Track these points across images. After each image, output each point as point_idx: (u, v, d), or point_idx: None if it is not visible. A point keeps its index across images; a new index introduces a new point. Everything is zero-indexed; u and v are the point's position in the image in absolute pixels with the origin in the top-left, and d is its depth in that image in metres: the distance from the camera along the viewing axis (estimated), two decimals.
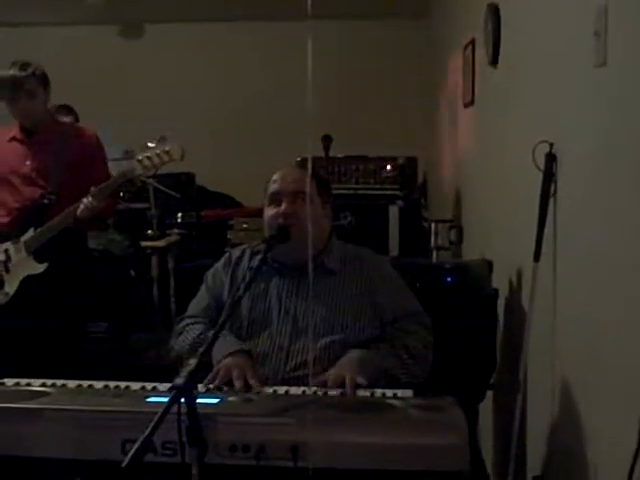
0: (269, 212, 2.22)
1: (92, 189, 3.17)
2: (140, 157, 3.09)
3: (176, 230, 5.44)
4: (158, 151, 3.08)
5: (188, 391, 1.49)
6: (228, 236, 5.21)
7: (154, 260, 4.89)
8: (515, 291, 2.64)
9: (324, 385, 1.92)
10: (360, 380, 1.91)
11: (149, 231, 5.12)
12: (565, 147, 2.07)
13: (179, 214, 5.69)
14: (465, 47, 3.95)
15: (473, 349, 2.54)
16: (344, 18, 5.97)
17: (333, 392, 1.86)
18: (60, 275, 3.36)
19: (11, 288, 3.34)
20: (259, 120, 6.41)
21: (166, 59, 6.54)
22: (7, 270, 3.35)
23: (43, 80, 3.38)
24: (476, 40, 3.62)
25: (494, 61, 3.08)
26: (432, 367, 2.19)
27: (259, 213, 5.83)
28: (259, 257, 2.14)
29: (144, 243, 4.84)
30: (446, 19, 5.12)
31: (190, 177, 6.12)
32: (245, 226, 5.23)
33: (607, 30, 1.71)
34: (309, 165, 1.92)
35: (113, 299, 3.75)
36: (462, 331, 2.51)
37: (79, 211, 3.20)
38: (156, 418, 1.41)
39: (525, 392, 2.25)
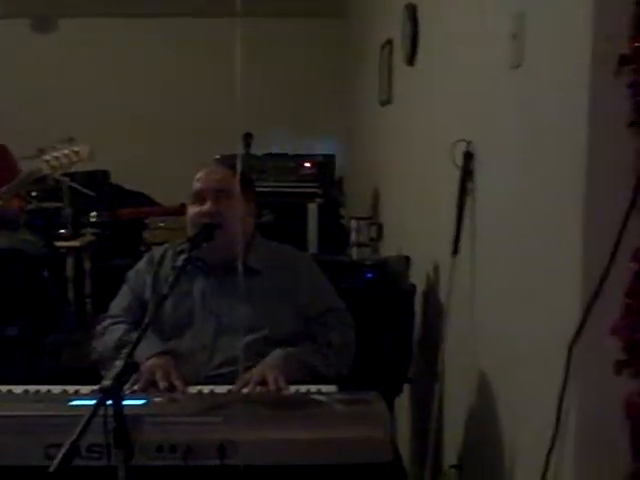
0: (193, 210, 2.21)
1: None
2: (48, 157, 3.05)
3: (90, 229, 5.31)
4: (66, 151, 3.05)
5: (115, 393, 1.47)
6: (144, 235, 5.14)
7: (69, 260, 4.78)
8: (432, 286, 2.71)
9: (248, 384, 1.93)
10: (282, 384, 1.92)
11: (61, 230, 5.00)
12: (482, 145, 2.13)
13: (93, 213, 5.56)
14: (382, 47, 4.00)
15: (391, 344, 2.59)
16: (261, 16, 5.97)
17: (258, 390, 1.87)
18: None
19: None
20: (176, 117, 6.33)
21: (80, 54, 6.38)
22: None
23: None
24: (393, 40, 3.68)
25: (411, 61, 3.14)
26: (353, 362, 2.23)
27: (175, 212, 5.77)
28: (183, 256, 2.13)
29: (59, 243, 4.72)
30: (363, 19, 5.18)
31: (105, 175, 5.99)
32: (161, 225, 5.15)
33: (524, 33, 1.78)
34: (238, 163, 1.93)
35: (26, 301, 3.65)
36: (380, 326, 2.55)
37: None
38: (83, 421, 1.38)
39: (443, 384, 2.31)
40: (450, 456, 2.35)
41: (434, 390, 2.30)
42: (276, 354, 2.08)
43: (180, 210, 5.50)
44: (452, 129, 2.41)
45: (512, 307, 1.84)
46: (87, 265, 4.96)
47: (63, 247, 4.76)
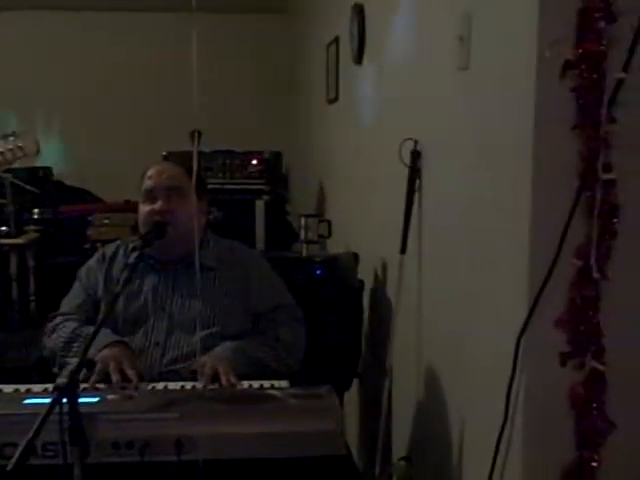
0: (144, 209, 2.21)
1: None
2: None
3: (33, 226, 5.23)
4: (11, 146, 2.98)
5: (70, 390, 1.47)
6: (88, 232, 5.08)
7: (13, 258, 4.70)
8: (380, 282, 2.76)
9: (197, 372, 1.94)
10: (233, 379, 1.94)
11: (3, 228, 4.91)
12: (430, 144, 2.18)
13: (35, 210, 5.48)
14: (328, 45, 4.04)
15: (340, 339, 2.63)
16: (206, 11, 5.96)
17: (211, 386, 1.89)
18: None
19: None
20: (121, 113, 6.26)
21: (21, 47, 6.26)
22: None
23: None
24: (340, 38, 3.72)
25: (359, 60, 3.18)
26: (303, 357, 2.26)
27: (120, 209, 5.70)
28: (135, 254, 2.13)
29: (1, 240, 4.64)
30: (307, 16, 5.21)
31: (47, 171, 5.89)
32: (106, 222, 5.10)
33: (470, 35, 1.83)
34: (195, 161, 1.93)
35: None
36: (329, 322, 2.59)
37: None
38: (39, 419, 1.38)
39: (392, 379, 2.36)
40: (399, 449, 2.40)
41: (383, 385, 2.34)
42: (225, 346, 2.10)
43: (124, 207, 5.48)
44: (400, 128, 2.45)
45: (460, 304, 1.89)
46: (31, 263, 4.89)
47: (6, 245, 4.67)
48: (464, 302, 1.86)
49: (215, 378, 1.92)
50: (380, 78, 2.85)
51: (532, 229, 1.45)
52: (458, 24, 1.87)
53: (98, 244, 4.79)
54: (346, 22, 3.36)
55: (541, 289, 1.41)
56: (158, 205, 2.18)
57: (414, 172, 2.25)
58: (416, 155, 2.24)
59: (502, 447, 1.53)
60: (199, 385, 1.89)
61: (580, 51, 1.39)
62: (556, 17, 1.42)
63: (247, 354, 2.11)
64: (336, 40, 3.82)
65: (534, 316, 1.42)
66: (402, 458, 2.29)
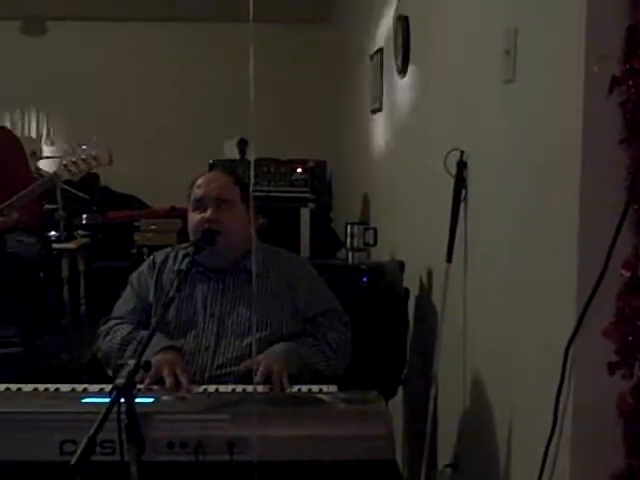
0: (194, 217, 2.27)
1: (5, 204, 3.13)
2: (65, 162, 3.06)
3: (81, 232, 5.37)
4: (84, 156, 3.05)
5: (128, 391, 1.53)
6: (135, 237, 5.19)
7: (64, 262, 4.83)
8: (425, 290, 2.78)
9: (251, 370, 1.99)
10: (286, 383, 1.99)
11: (53, 232, 5.04)
12: (475, 155, 2.21)
13: (84, 215, 5.61)
14: (372, 56, 4.09)
15: (385, 346, 2.66)
16: (255, 21, 6.04)
17: (260, 389, 1.94)
18: None
19: None
20: (169, 121, 6.38)
21: (69, 57, 6.42)
22: None
23: None
24: (384, 49, 3.76)
25: (403, 71, 3.22)
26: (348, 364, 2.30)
27: (165, 215, 5.81)
28: (187, 260, 2.20)
29: (55, 245, 4.77)
30: (351, 27, 5.26)
31: (95, 178, 6.03)
32: (152, 227, 5.22)
33: (516, 49, 1.85)
34: (251, 168, 1.98)
35: (23, 302, 3.70)
36: (375, 329, 2.62)
37: None
38: (99, 418, 1.44)
39: (437, 386, 2.38)
40: (445, 456, 2.42)
41: (429, 392, 2.37)
42: (278, 347, 2.15)
43: (170, 213, 5.59)
44: (445, 138, 2.48)
45: (507, 313, 1.91)
46: (81, 267, 5.01)
47: (58, 249, 4.80)
48: (511, 311, 1.88)
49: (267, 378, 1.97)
50: (425, 89, 2.88)
51: (580, 241, 1.47)
52: (504, 37, 1.90)
53: (144, 249, 4.91)
54: (390, 33, 3.40)
55: (589, 299, 1.43)
56: (208, 214, 2.24)
57: (460, 182, 2.28)
58: (462, 165, 2.27)
59: (550, 456, 1.54)
60: (249, 388, 1.94)
61: (627, 67, 1.41)
62: (604, 33, 1.44)
63: (299, 356, 2.15)
64: (380, 51, 3.87)
65: (582, 326, 1.44)
66: (448, 465, 2.31)
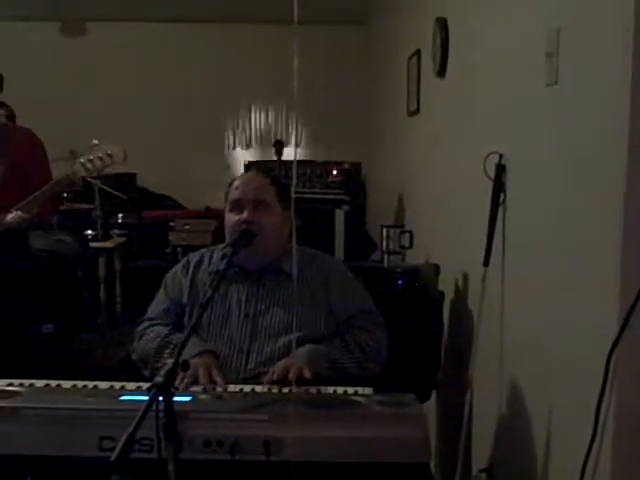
0: (232, 218, 2.28)
1: (24, 202, 3.20)
2: (82, 160, 3.13)
3: (117, 231, 5.43)
4: (100, 154, 3.13)
5: (166, 389, 1.54)
6: (170, 237, 5.24)
7: (101, 261, 4.88)
8: (461, 294, 2.77)
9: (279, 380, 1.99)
10: (306, 373, 1.99)
11: (89, 231, 5.10)
12: (515, 159, 2.19)
13: (120, 215, 5.67)
14: (410, 57, 4.07)
15: (420, 350, 2.65)
16: (286, 23, 6.06)
17: (295, 389, 1.94)
18: (5, 276, 3.34)
19: None
20: (204, 122, 6.42)
21: (108, 58, 6.49)
22: None
23: None
24: (422, 51, 3.75)
25: (441, 73, 3.20)
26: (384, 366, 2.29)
27: (200, 215, 5.85)
28: (223, 261, 2.21)
29: (93, 244, 4.83)
30: (387, 28, 5.24)
31: (131, 178, 6.10)
32: (187, 227, 5.26)
33: (559, 51, 1.83)
34: (294, 168, 1.99)
35: (61, 300, 3.75)
36: (410, 332, 2.61)
37: (7, 222, 3.21)
38: (139, 415, 1.45)
39: (472, 391, 2.36)
40: (479, 461, 2.41)
41: (464, 396, 2.35)
42: (303, 349, 2.15)
43: (205, 213, 5.63)
44: (483, 141, 2.46)
45: (545, 318, 1.89)
46: (117, 266, 5.06)
47: (95, 248, 4.86)
48: (550, 317, 1.86)
49: (301, 382, 1.97)
50: (464, 92, 2.86)
51: (624, 246, 1.45)
52: (546, 39, 1.88)
53: (179, 249, 4.95)
54: (429, 35, 3.38)
55: (633, 306, 1.41)
56: (245, 216, 2.25)
57: (498, 186, 2.26)
58: (501, 169, 2.25)
59: (590, 465, 1.52)
60: (285, 389, 1.94)
61: None
62: None
63: (326, 357, 2.15)
64: (418, 53, 3.85)
65: (625, 333, 1.42)
66: (482, 470, 2.30)
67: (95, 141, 3.20)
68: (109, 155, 3.15)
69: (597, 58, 1.62)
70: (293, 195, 2.07)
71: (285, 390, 1.92)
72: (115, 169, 3.74)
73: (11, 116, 4.87)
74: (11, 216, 3.21)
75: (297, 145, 4.76)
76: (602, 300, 1.52)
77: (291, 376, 1.98)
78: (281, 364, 2.05)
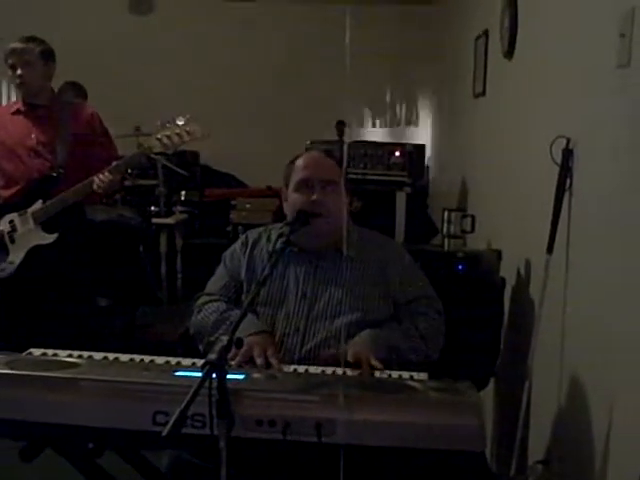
0: (297, 198, 2.25)
1: (113, 163, 3.25)
2: (159, 135, 3.14)
3: (179, 208, 5.49)
4: (178, 130, 3.12)
5: (220, 367, 1.54)
6: (231, 215, 5.27)
7: (163, 237, 4.95)
8: (523, 281, 2.71)
9: (336, 360, 1.97)
10: (375, 363, 1.98)
11: (152, 207, 5.17)
12: (583, 143, 2.12)
13: (182, 192, 5.73)
14: (477, 38, 3.99)
15: (479, 336, 2.60)
16: (351, 2, 5.99)
17: (350, 372, 1.92)
18: (66, 247, 3.42)
19: (17, 258, 3.39)
20: (267, 100, 6.42)
21: (174, 36, 6.54)
22: (12, 240, 3.40)
23: (43, 54, 3.42)
24: (490, 32, 3.66)
25: (510, 54, 3.12)
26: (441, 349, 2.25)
27: (262, 194, 5.87)
28: (282, 240, 2.20)
29: (155, 220, 4.89)
30: (454, 8, 5.15)
31: (195, 155, 6.14)
32: (248, 206, 5.29)
33: (633, 31, 1.76)
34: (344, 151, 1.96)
35: (122, 274, 3.81)
36: (469, 318, 2.56)
37: (95, 186, 3.27)
38: (191, 392, 1.46)
39: (531, 380, 2.31)
40: (536, 452, 2.36)
41: (522, 385, 2.30)
42: (366, 334, 2.13)
43: (266, 192, 5.64)
44: (550, 125, 2.40)
45: (610, 309, 1.84)
46: (179, 242, 5.12)
47: (157, 224, 4.92)
48: (615, 306, 1.80)
49: (356, 365, 1.96)
50: (532, 73, 2.78)
51: None
52: (620, 19, 1.81)
53: (239, 227, 4.97)
54: (497, 15, 3.30)
55: None
56: (314, 196, 2.22)
57: (565, 171, 2.20)
58: (568, 153, 2.18)
59: None
60: (339, 370, 1.92)
61: None
62: None
63: (387, 342, 2.12)
64: (485, 33, 3.77)
65: None
66: (539, 461, 2.25)
67: (180, 120, 3.17)
68: (187, 131, 3.16)
69: None
70: (348, 176, 2.05)
71: (339, 372, 1.91)
72: (189, 146, 3.74)
73: (82, 94, 4.97)
74: (102, 177, 3.25)
75: (359, 126, 4.73)
76: None
77: (364, 367, 1.96)
78: (350, 351, 2.02)
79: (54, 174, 3.38)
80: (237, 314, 2.10)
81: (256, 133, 6.35)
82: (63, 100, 3.77)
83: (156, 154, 4.06)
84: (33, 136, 3.44)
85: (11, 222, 3.40)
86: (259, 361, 2.00)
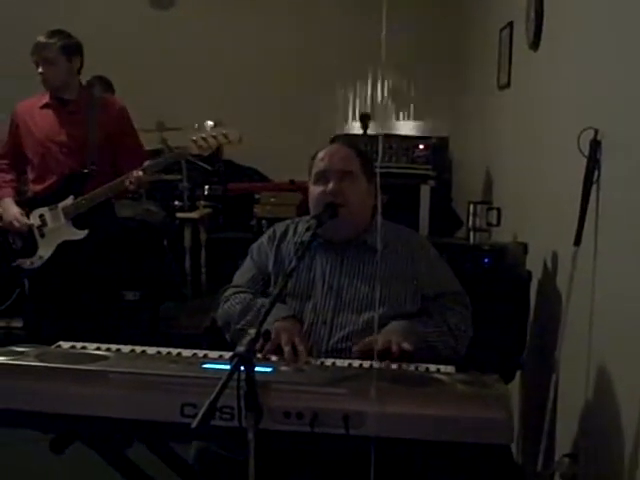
0: (316, 190, 2.26)
1: (146, 162, 3.27)
2: (195, 137, 3.15)
3: (203, 202, 5.50)
4: (214, 133, 3.13)
5: (248, 359, 1.55)
6: (254, 209, 5.28)
7: (187, 231, 4.97)
8: (550, 274, 2.69)
9: (368, 349, 1.96)
10: (406, 345, 1.97)
11: (176, 202, 5.19)
12: (611, 134, 2.10)
13: (206, 186, 5.74)
14: (502, 29, 3.96)
15: (505, 330, 2.59)
16: None
17: (376, 365, 1.92)
18: (96, 243, 3.44)
19: (46, 252, 3.42)
20: (289, 94, 6.41)
21: (196, 30, 6.54)
22: (42, 235, 3.43)
23: (66, 49, 3.40)
24: (515, 23, 3.63)
25: (535, 45, 3.10)
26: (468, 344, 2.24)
27: (286, 188, 5.88)
28: (308, 232, 2.20)
29: (179, 214, 4.91)
30: (479, 0, 5.12)
31: (218, 150, 6.14)
32: (272, 200, 5.29)
33: None
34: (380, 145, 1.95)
35: (148, 268, 3.83)
36: (495, 312, 2.55)
37: (128, 182, 3.28)
38: (220, 384, 1.46)
39: (558, 373, 2.30)
40: (564, 446, 2.35)
41: (549, 379, 2.29)
42: (397, 324, 2.13)
43: (290, 186, 5.64)
44: (577, 116, 2.37)
45: (635, 301, 1.82)
46: (203, 236, 5.14)
47: (181, 218, 4.94)
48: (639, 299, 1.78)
49: (384, 356, 1.94)
50: (559, 64, 2.76)
51: None
52: None
53: (263, 221, 4.98)
54: (522, 6, 3.28)
55: None
56: (330, 187, 2.22)
57: (593, 162, 2.17)
58: (596, 145, 2.16)
59: None
60: (366, 363, 1.92)
61: None
62: None
63: (417, 333, 2.12)
64: (510, 24, 3.74)
65: None
66: (566, 455, 2.23)
67: (210, 122, 3.18)
68: (224, 135, 3.17)
69: None
70: (378, 170, 2.04)
71: (367, 364, 1.91)
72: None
73: (110, 88, 4.99)
74: (136, 175, 3.27)
75: (383, 119, 4.72)
76: None
77: (394, 348, 1.96)
78: (380, 339, 2.00)
79: (86, 170, 3.40)
80: (264, 302, 2.10)
81: (279, 127, 6.34)
82: (92, 95, 3.78)
83: (193, 156, 4.06)
84: (64, 131, 3.45)
85: (41, 216, 3.43)
86: (286, 349, 2.00)
